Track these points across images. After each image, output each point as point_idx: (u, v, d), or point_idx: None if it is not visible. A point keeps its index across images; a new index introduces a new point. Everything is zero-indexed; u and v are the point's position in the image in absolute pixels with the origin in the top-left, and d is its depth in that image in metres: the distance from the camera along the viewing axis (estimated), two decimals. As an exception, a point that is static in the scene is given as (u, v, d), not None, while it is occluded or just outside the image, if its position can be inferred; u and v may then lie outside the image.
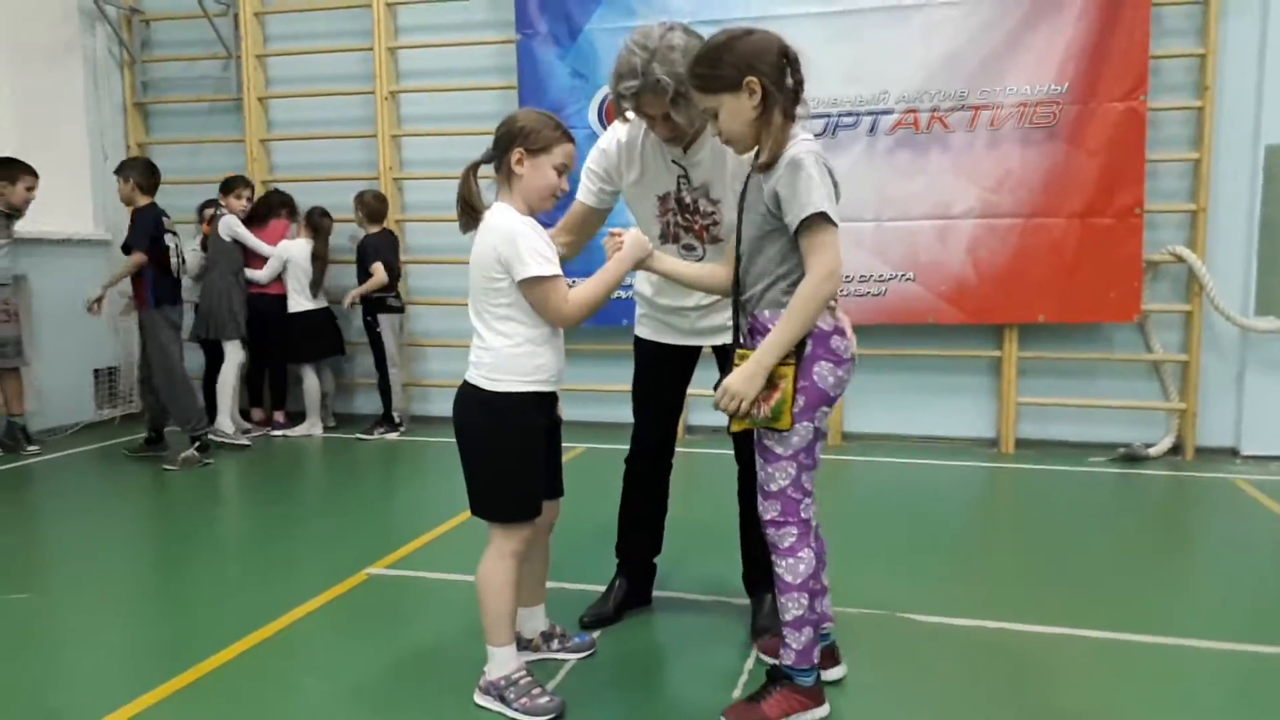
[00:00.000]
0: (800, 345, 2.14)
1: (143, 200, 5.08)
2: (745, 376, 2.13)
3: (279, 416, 6.08)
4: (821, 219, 2.07)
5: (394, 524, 4.19)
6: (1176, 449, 5.15)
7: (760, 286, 2.21)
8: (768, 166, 2.16)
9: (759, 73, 2.11)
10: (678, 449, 3.01)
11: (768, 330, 2.16)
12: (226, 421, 5.67)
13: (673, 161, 2.60)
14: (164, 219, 5.11)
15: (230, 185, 5.85)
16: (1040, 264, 5.10)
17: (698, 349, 2.84)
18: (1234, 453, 5.10)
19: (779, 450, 2.20)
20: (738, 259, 2.29)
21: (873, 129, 5.24)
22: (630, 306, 2.97)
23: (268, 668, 2.67)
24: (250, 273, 5.82)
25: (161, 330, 5.07)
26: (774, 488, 2.22)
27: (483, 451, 2.35)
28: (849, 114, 5.25)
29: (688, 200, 2.61)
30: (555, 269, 2.28)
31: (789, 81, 2.14)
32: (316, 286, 5.87)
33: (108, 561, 3.70)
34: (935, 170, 5.19)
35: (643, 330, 2.88)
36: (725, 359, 2.75)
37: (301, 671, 2.64)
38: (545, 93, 5.58)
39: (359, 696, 2.48)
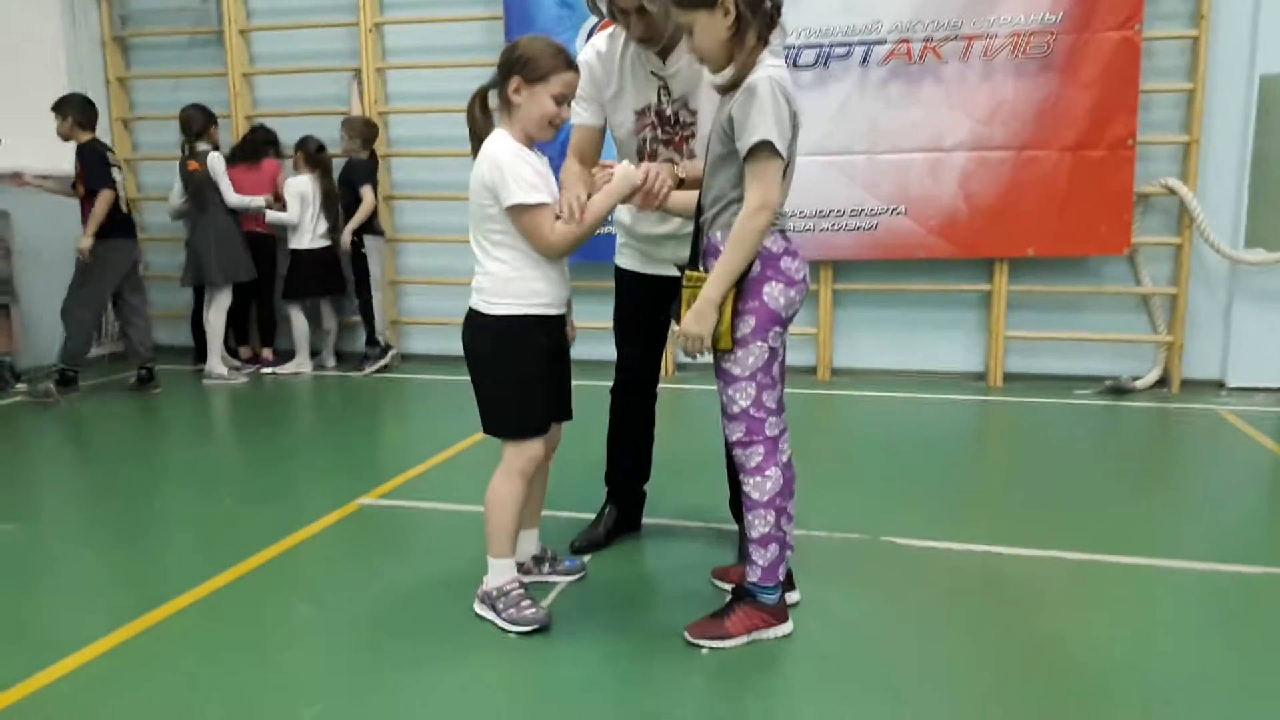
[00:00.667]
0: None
1: (84, 136, 5.10)
2: (695, 316, 2.15)
3: (267, 354, 6.06)
4: (765, 148, 2.07)
5: (385, 457, 4.21)
6: (1163, 382, 5.19)
7: (716, 209, 2.22)
8: (730, 88, 2.16)
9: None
10: (667, 384, 3.03)
11: (719, 253, 2.17)
12: (217, 363, 5.67)
13: (651, 73, 2.58)
14: (109, 153, 5.15)
15: (206, 125, 5.71)
16: (1032, 197, 5.08)
17: (679, 280, 2.84)
18: (1220, 385, 5.14)
19: (736, 371, 2.22)
20: (703, 180, 2.29)
21: (865, 59, 5.17)
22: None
23: (261, 593, 2.70)
24: (274, 215, 5.74)
25: (101, 263, 5.09)
26: (736, 409, 2.25)
27: (487, 372, 2.40)
28: (842, 44, 5.17)
29: (668, 112, 2.61)
30: (541, 197, 2.28)
31: (766, 4, 2.12)
32: (336, 229, 5.81)
33: (97, 493, 3.71)
34: (928, 102, 5.14)
35: (623, 260, 2.87)
36: None
37: (295, 596, 2.67)
38: (532, 23, 5.48)
39: (352, 620, 2.51)
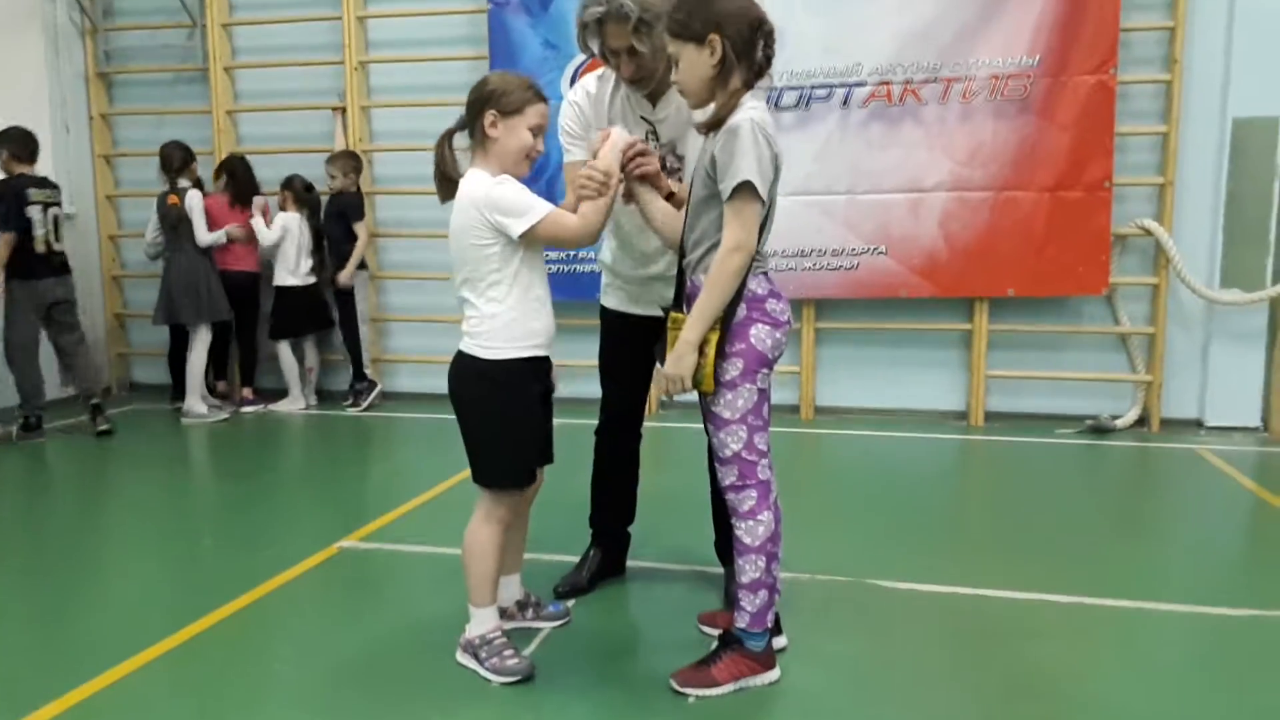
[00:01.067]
0: (729, 311, 2.15)
1: (16, 169, 5.05)
2: (675, 359, 2.16)
3: (247, 393, 6.01)
4: (746, 189, 2.08)
5: (365, 498, 4.17)
6: (1143, 420, 5.22)
7: (699, 251, 2.23)
8: (712, 128, 2.18)
9: (725, 34, 2.11)
10: (651, 423, 3.02)
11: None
12: (197, 402, 5.62)
13: (641, 118, 2.60)
14: (30, 190, 5.03)
15: (186, 162, 5.70)
16: (1011, 238, 5.13)
17: (663, 321, 2.84)
18: (1199, 424, 5.18)
19: (726, 415, 2.22)
20: (686, 222, 2.30)
21: (846, 101, 5.23)
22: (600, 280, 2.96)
23: (241, 638, 2.65)
24: (260, 229, 5.75)
25: (12, 304, 5.04)
26: (728, 453, 2.24)
27: (481, 421, 2.36)
28: (823, 86, 5.24)
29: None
30: (543, 206, 2.28)
31: (758, 54, 2.15)
32: (323, 266, 5.84)
33: (76, 536, 3.65)
34: (908, 143, 5.20)
35: (609, 300, 2.87)
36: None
37: (275, 642, 2.63)
38: (517, 63, 5.52)
39: (332, 665, 2.47)
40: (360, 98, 6.00)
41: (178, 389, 5.89)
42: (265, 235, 5.76)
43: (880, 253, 5.28)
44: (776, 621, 2.43)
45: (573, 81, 5.36)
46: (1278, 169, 4.95)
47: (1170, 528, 3.74)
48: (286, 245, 5.77)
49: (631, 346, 2.84)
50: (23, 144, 5.07)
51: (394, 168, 6.08)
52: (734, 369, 2.18)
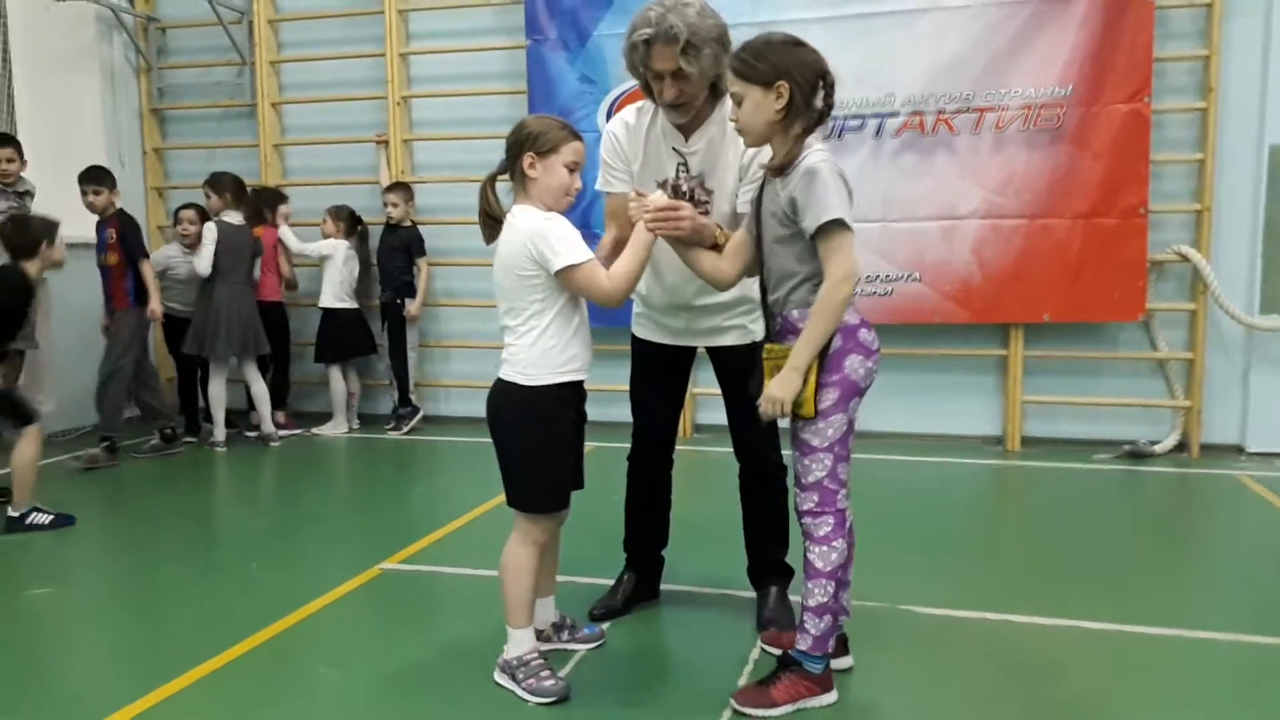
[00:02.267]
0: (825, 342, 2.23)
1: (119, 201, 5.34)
2: (782, 382, 2.21)
3: (280, 417, 6.06)
4: (838, 224, 2.17)
5: (407, 521, 4.25)
6: (1182, 446, 5.18)
7: (785, 289, 2.30)
8: (780, 171, 2.27)
9: (794, 81, 2.20)
10: (686, 447, 3.08)
11: (798, 330, 2.25)
12: (222, 432, 5.66)
13: (674, 149, 2.69)
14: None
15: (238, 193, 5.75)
16: (1045, 264, 5.14)
17: (693, 349, 2.91)
18: (1239, 450, 5.13)
19: (815, 443, 2.27)
20: (760, 263, 2.37)
21: (879, 131, 5.29)
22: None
23: (285, 659, 2.74)
24: (288, 237, 5.92)
25: (134, 331, 5.31)
26: (811, 479, 2.29)
27: (520, 445, 2.44)
28: (855, 116, 5.30)
29: (684, 188, 2.68)
30: (588, 253, 2.35)
31: (819, 103, 2.24)
32: (366, 294, 6.07)
33: (126, 557, 3.78)
34: (941, 172, 5.24)
35: (639, 329, 2.94)
36: (721, 361, 2.82)
37: (318, 662, 2.71)
38: (555, 97, 5.66)
39: (371, 689, 2.55)
40: (403, 131, 6.17)
41: (191, 422, 5.94)
42: (294, 243, 5.92)
43: (914, 279, 5.31)
44: (843, 642, 2.48)
45: (609, 116, 5.47)
46: (1316, 195, 4.92)
47: (1210, 555, 3.71)
48: (334, 269, 5.90)
49: (662, 375, 2.91)
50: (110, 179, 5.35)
51: (435, 198, 6.22)
52: (829, 398, 2.25)
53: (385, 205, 5.88)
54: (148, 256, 5.35)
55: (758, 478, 2.90)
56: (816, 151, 2.23)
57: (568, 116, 5.58)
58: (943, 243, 5.25)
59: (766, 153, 2.39)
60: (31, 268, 4.25)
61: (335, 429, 5.98)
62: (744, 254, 2.47)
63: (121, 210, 5.32)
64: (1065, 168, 5.08)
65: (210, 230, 5.52)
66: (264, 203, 5.98)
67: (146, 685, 2.53)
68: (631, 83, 5.29)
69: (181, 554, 3.79)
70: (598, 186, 2.82)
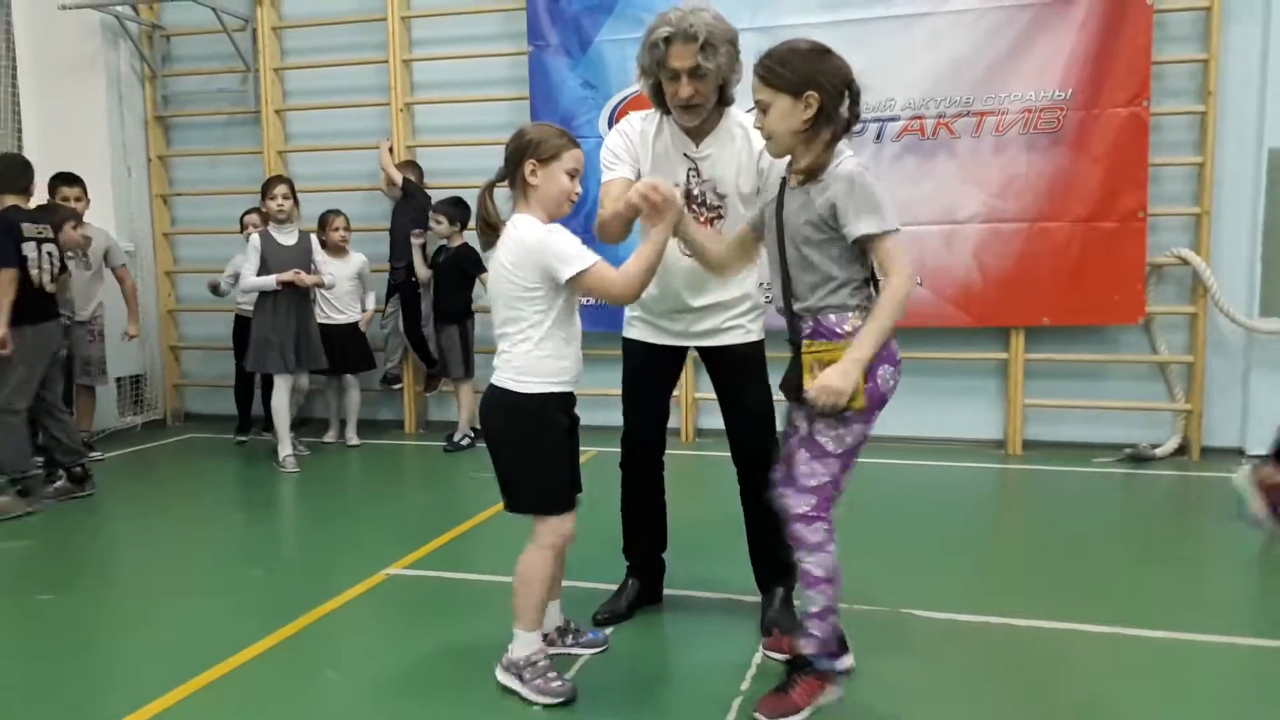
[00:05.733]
0: None
1: (8, 200, 4.47)
2: (842, 373, 2.16)
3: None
4: (892, 232, 2.19)
5: (412, 526, 4.28)
6: (1183, 449, 5.19)
7: (821, 293, 2.26)
8: (809, 177, 2.26)
9: (822, 90, 2.19)
10: (688, 451, 3.10)
11: (835, 333, 2.24)
12: (289, 447, 5.36)
13: (684, 155, 2.72)
14: (24, 225, 4.41)
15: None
16: (1045, 267, 5.16)
17: (685, 350, 2.93)
18: (1240, 453, 5.14)
19: (830, 447, 2.28)
20: (784, 271, 2.33)
21: (879, 135, 5.32)
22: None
23: (293, 663, 2.76)
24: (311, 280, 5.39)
25: (20, 353, 4.34)
26: (813, 483, 2.30)
27: (515, 449, 2.47)
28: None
29: (695, 192, 2.74)
30: (593, 256, 2.38)
31: (844, 113, 2.23)
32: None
33: (133, 563, 3.80)
34: (941, 176, 5.27)
35: (632, 332, 2.95)
36: (718, 361, 2.85)
37: (324, 665, 2.73)
38: (557, 103, 5.69)
39: (380, 689, 2.57)
40: (406, 137, 6.20)
41: (244, 421, 6.02)
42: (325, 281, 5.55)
43: (916, 283, 5.33)
44: (842, 641, 2.49)
45: (610, 122, 5.50)
46: (1316, 197, 4.94)
47: (1210, 558, 3.72)
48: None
49: (655, 376, 2.94)
50: (9, 175, 4.52)
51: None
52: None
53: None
54: (13, 265, 4.32)
55: (761, 481, 2.90)
56: (850, 158, 2.24)
57: (569, 122, 5.68)
58: (943, 246, 5.28)
59: (783, 160, 2.40)
60: None
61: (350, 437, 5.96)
62: (747, 249, 2.51)
63: (11, 208, 4.45)
64: (1065, 171, 5.10)
65: (255, 240, 5.32)
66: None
67: (152, 693, 2.55)
68: (633, 88, 5.39)
69: (181, 563, 3.81)
70: (604, 178, 2.78)
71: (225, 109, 6.64)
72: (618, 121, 2.87)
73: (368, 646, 2.89)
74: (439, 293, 5.77)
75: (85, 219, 5.23)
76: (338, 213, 5.85)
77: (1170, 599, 3.17)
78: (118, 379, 6.33)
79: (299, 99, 6.50)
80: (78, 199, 5.21)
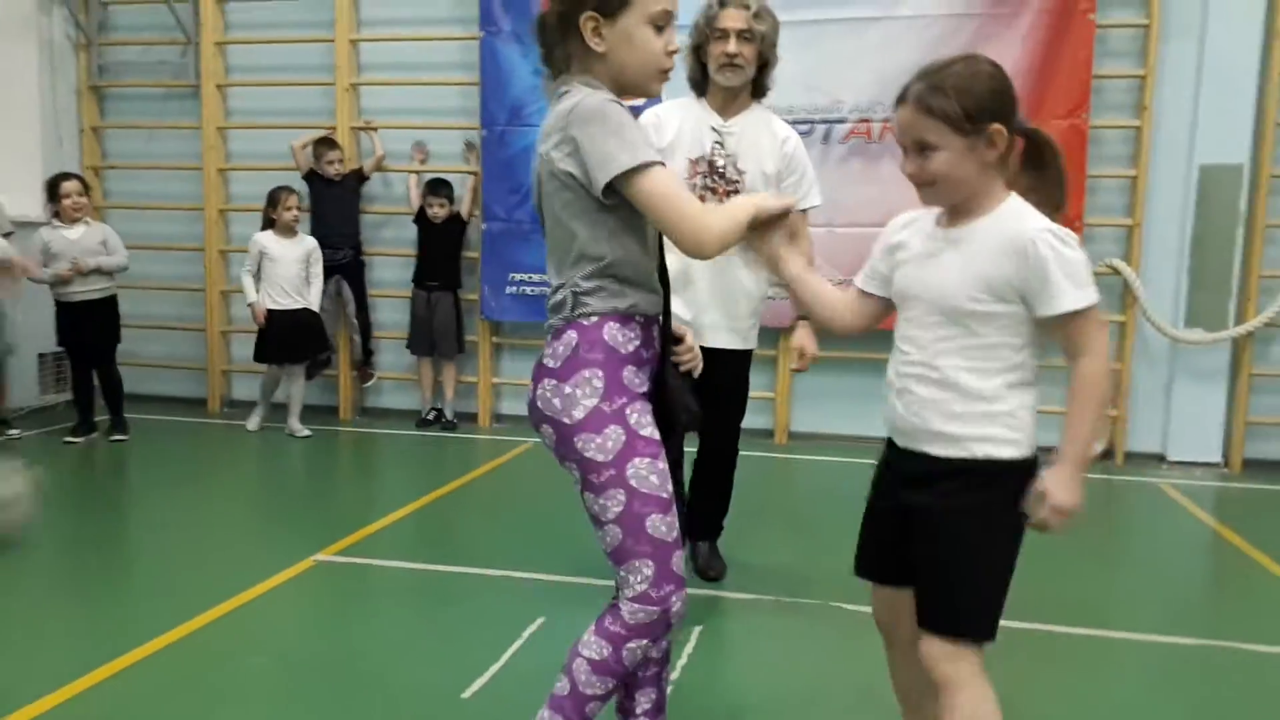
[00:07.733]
0: None
1: None
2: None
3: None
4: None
5: (344, 513, 4.21)
6: (1108, 454, 5.34)
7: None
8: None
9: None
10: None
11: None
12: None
13: (711, 128, 2.93)
14: None
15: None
16: (984, 273, 5.25)
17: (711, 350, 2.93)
18: (1161, 459, 5.30)
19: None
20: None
21: (827, 137, 5.37)
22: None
23: (214, 648, 2.70)
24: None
25: None
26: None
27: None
28: (804, 122, 5.35)
29: (719, 164, 2.92)
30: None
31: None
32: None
33: (46, 547, 3.68)
34: (886, 179, 5.32)
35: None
36: (715, 362, 2.77)
37: (249, 651, 2.67)
38: (508, 90, 5.64)
39: (303, 674, 2.53)
40: (351, 118, 6.09)
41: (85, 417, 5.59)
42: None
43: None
44: None
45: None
46: (1241, 215, 5.11)
47: (1131, 560, 3.84)
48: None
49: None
50: None
51: (379, 187, 6.16)
52: None
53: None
54: None
55: (724, 461, 3.21)
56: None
57: (520, 111, 5.65)
58: (885, 249, 5.34)
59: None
60: None
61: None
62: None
63: None
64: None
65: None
66: None
67: (64, 677, 2.47)
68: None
69: (101, 545, 3.71)
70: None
71: (164, 81, 6.44)
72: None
73: (293, 631, 2.84)
74: (430, 265, 5.80)
75: None
76: (290, 190, 5.60)
77: (1092, 598, 3.26)
78: (39, 355, 6.10)
79: (241, 74, 6.34)
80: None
